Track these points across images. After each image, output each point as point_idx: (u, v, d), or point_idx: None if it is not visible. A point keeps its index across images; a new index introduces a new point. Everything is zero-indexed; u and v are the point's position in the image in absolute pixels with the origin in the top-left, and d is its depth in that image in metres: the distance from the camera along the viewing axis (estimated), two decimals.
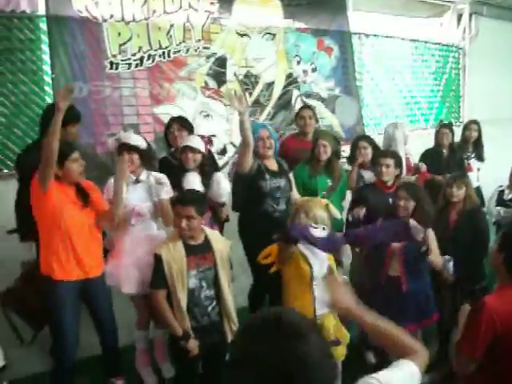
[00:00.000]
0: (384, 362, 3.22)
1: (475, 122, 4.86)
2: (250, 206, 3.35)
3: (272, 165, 3.40)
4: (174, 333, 2.53)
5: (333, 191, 3.60)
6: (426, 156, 4.52)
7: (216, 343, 2.66)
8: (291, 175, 3.54)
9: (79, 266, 2.70)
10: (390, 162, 3.45)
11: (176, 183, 3.06)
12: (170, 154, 3.51)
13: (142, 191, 2.99)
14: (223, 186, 3.18)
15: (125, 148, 2.95)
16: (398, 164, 3.51)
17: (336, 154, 3.75)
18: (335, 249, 2.76)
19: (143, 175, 3.01)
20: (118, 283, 2.89)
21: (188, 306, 2.55)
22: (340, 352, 2.83)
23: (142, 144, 3.02)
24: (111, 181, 2.86)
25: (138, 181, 2.98)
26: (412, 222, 2.76)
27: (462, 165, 4.64)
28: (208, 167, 3.24)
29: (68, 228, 2.64)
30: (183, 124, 3.50)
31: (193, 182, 3.10)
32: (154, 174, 3.04)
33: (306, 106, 4.47)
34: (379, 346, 3.22)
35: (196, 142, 3.15)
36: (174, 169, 3.21)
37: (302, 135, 4.14)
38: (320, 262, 2.74)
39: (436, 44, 6.59)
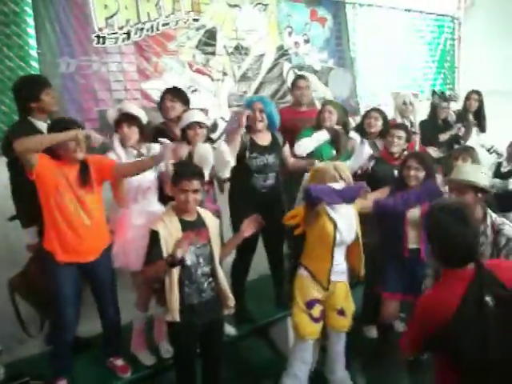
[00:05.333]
0: (386, 336, 3.24)
1: (477, 92, 4.83)
2: (238, 181, 3.30)
3: (263, 139, 3.33)
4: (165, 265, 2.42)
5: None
6: (425, 128, 4.48)
7: (212, 321, 2.63)
8: (286, 148, 3.49)
9: (74, 251, 2.62)
10: (402, 134, 3.47)
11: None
12: (162, 123, 3.42)
13: None
14: (227, 159, 3.09)
15: (125, 119, 2.88)
16: (408, 138, 3.53)
17: (344, 126, 3.73)
18: (359, 194, 2.75)
19: (144, 149, 2.96)
20: (126, 264, 2.83)
21: (185, 284, 2.50)
22: (344, 323, 2.87)
23: (144, 117, 2.98)
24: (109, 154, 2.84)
25: (140, 155, 2.91)
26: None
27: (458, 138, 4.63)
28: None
29: (61, 211, 2.56)
30: (176, 95, 3.40)
31: (208, 153, 3.04)
32: (153, 145, 2.95)
33: (300, 76, 4.40)
34: (383, 322, 3.23)
35: (201, 117, 3.13)
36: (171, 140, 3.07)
37: (298, 105, 4.10)
38: (349, 227, 2.74)
39: (431, 14, 6.45)
